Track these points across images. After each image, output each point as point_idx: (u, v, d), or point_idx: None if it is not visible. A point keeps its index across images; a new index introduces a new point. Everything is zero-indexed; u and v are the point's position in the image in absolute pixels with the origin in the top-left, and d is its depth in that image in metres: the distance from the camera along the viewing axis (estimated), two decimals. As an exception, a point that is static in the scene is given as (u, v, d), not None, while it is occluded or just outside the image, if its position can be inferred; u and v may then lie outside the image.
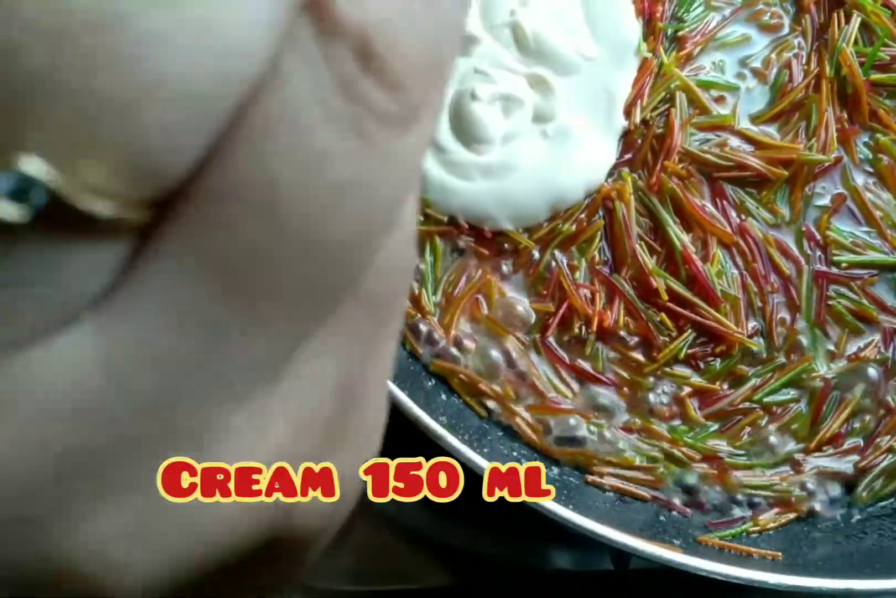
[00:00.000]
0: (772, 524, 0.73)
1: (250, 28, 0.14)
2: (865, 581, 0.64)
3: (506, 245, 0.79)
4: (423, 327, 0.76)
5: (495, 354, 0.76)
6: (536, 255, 0.78)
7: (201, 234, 0.15)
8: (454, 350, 0.75)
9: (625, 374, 0.76)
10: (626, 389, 0.76)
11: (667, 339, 0.77)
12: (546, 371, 0.76)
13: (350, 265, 0.16)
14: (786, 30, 0.88)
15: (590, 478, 0.73)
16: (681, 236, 0.79)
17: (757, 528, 0.73)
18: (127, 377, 0.16)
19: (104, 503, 0.17)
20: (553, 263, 0.78)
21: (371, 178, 0.15)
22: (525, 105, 0.80)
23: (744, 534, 0.73)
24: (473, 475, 0.64)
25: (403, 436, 0.66)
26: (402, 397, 0.65)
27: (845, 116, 0.85)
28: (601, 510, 0.71)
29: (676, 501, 0.74)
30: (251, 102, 0.14)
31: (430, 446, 0.65)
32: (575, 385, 0.76)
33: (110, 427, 0.16)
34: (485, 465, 0.64)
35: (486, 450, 0.70)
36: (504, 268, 0.79)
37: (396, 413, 0.65)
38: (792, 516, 0.74)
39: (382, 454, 0.84)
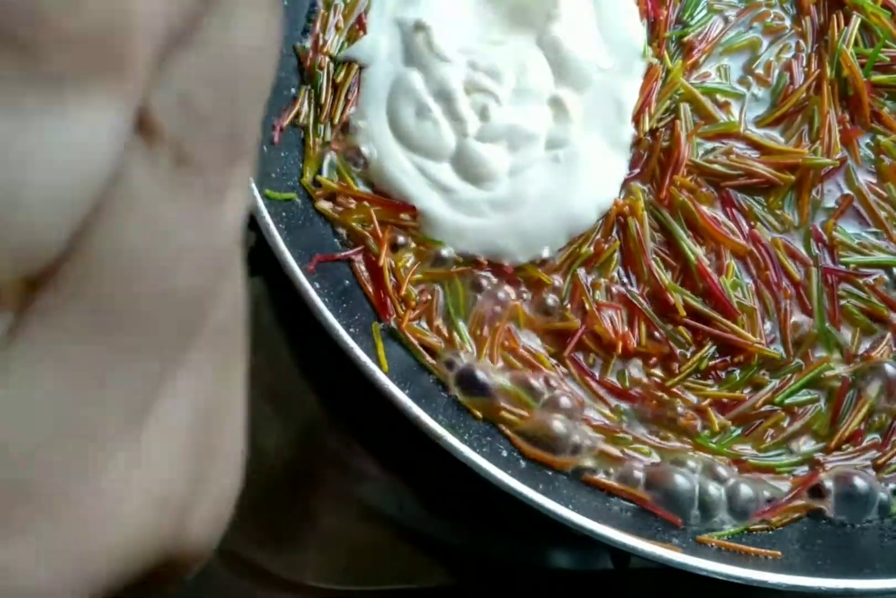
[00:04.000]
0: (777, 521, 0.74)
1: (93, 148, 0.19)
2: (865, 581, 0.64)
3: (527, 278, 0.79)
4: (459, 363, 0.76)
5: (531, 379, 0.76)
6: (558, 280, 0.79)
7: (79, 293, 0.20)
8: (488, 377, 0.75)
9: (649, 389, 0.77)
10: (653, 402, 0.77)
11: (686, 352, 0.78)
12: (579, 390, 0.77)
13: (199, 306, 0.21)
14: (787, 31, 0.88)
15: (586, 476, 0.73)
16: (695, 250, 0.79)
17: (765, 525, 0.73)
18: (19, 420, 0.19)
19: (8, 533, 0.20)
20: (574, 287, 0.79)
21: (204, 241, 0.21)
22: (537, 137, 0.80)
23: (744, 533, 0.73)
24: (473, 475, 0.64)
25: (403, 436, 0.67)
26: (402, 397, 0.65)
27: (847, 117, 0.85)
28: (601, 510, 0.71)
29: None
30: (105, 194, 0.19)
31: (430, 445, 0.65)
32: (612, 401, 0.77)
33: (5, 470, 0.19)
34: (485, 465, 0.64)
35: (485, 450, 0.71)
36: (527, 296, 0.79)
37: (396, 413, 0.65)
38: (795, 515, 0.74)
39: (383, 451, 0.84)
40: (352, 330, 0.68)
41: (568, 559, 0.81)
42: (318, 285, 0.69)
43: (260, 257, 0.87)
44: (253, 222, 0.68)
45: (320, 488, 0.81)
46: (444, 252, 0.78)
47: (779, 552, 0.70)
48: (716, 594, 0.75)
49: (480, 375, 0.75)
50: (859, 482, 0.75)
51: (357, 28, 0.85)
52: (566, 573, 0.81)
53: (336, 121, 0.82)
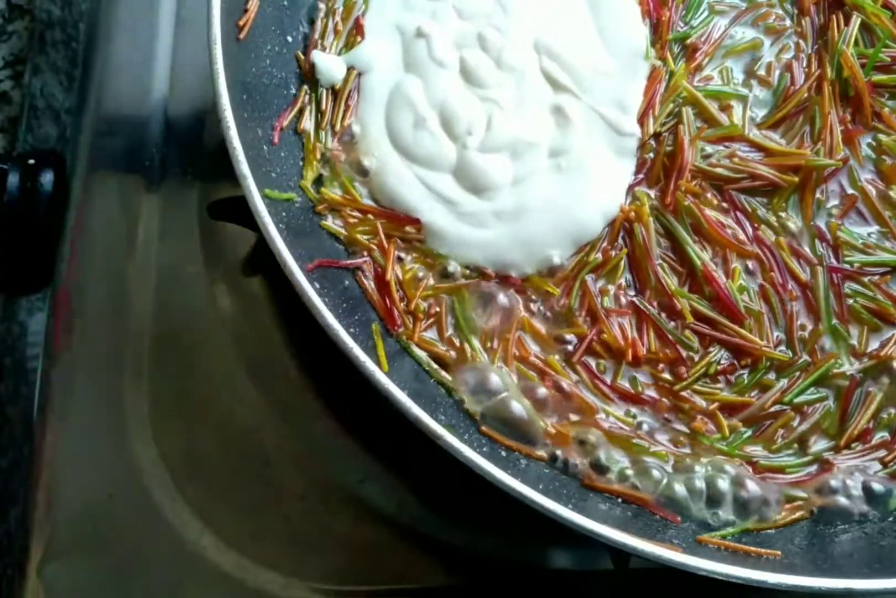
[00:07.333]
0: (779, 521, 0.74)
1: None
2: (865, 581, 0.64)
3: (534, 288, 0.79)
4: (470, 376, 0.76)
5: (542, 390, 0.76)
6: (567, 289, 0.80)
7: None
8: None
9: (660, 393, 0.77)
10: (664, 403, 0.77)
11: (694, 354, 0.78)
12: (590, 393, 0.77)
13: None
14: (787, 32, 0.88)
15: (587, 481, 0.73)
16: (701, 255, 0.79)
17: (768, 525, 0.73)
18: None
19: None
20: (583, 294, 0.79)
21: None
22: (538, 146, 0.81)
23: (744, 533, 0.73)
24: (473, 475, 0.64)
25: (403, 436, 0.67)
26: (402, 397, 0.65)
27: (848, 117, 0.85)
28: (601, 510, 0.71)
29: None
30: None
31: (430, 445, 0.65)
32: (622, 405, 0.77)
33: None
34: (485, 465, 0.64)
35: (485, 450, 0.71)
36: (535, 306, 0.79)
37: (396, 412, 0.65)
38: (797, 515, 0.74)
39: (383, 451, 0.83)
40: (352, 330, 0.68)
41: (568, 559, 0.81)
42: (317, 285, 0.69)
43: (260, 257, 0.87)
44: (253, 222, 0.68)
45: (320, 488, 0.81)
46: (451, 265, 0.79)
47: (779, 552, 0.70)
48: (716, 595, 0.75)
49: (494, 380, 0.75)
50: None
51: (355, 33, 0.85)
52: (566, 573, 0.81)
53: (337, 127, 0.82)
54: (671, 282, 0.79)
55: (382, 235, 0.78)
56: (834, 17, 0.87)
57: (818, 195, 0.83)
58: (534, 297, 0.79)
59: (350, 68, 0.83)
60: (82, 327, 0.84)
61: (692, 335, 0.78)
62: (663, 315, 0.78)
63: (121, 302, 0.85)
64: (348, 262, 0.77)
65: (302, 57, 0.83)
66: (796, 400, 0.77)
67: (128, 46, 0.93)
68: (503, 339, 0.77)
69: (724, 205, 0.82)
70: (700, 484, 0.74)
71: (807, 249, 0.81)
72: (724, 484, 0.74)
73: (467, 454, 0.64)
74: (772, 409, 0.77)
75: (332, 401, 0.84)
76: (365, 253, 0.78)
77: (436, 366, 0.75)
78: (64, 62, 0.96)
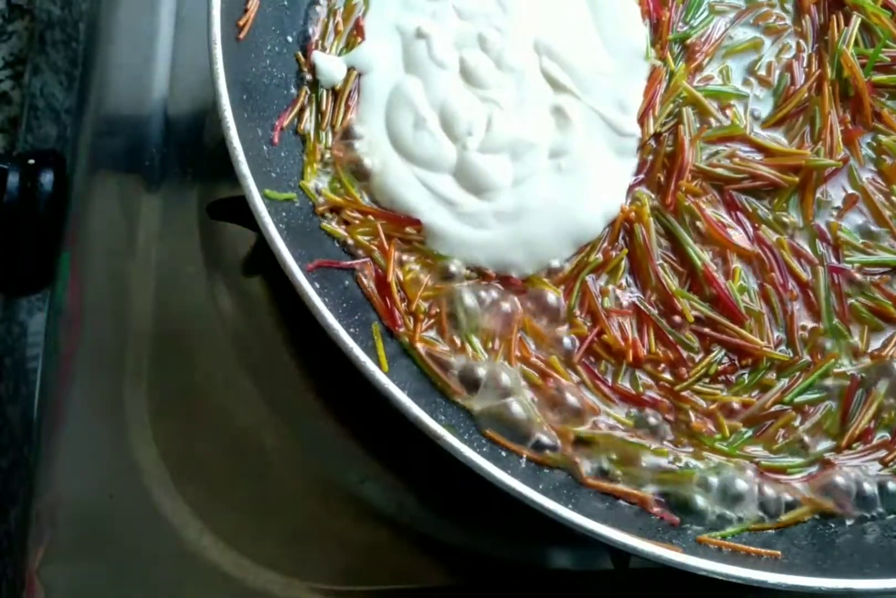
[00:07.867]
0: (782, 522, 0.74)
1: None
2: (865, 581, 0.64)
3: (535, 288, 0.79)
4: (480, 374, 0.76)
5: (543, 390, 0.76)
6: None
7: None
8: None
9: (660, 394, 0.77)
10: (665, 403, 0.77)
11: (694, 354, 0.78)
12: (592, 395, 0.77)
13: None
14: (787, 32, 0.88)
15: (589, 480, 0.73)
16: (701, 255, 0.79)
17: (768, 525, 0.73)
18: None
19: None
20: (584, 294, 0.79)
21: None
22: (538, 147, 0.81)
23: (744, 533, 0.73)
24: (473, 475, 0.64)
25: (403, 436, 0.67)
26: (402, 397, 0.65)
27: (848, 117, 0.85)
28: (601, 510, 0.71)
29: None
30: None
31: (430, 445, 0.65)
32: (622, 406, 0.77)
33: None
34: (485, 465, 0.64)
35: (485, 449, 0.71)
36: (536, 305, 0.79)
37: (396, 413, 0.65)
38: (798, 515, 0.74)
39: (383, 451, 0.83)
40: (352, 330, 0.68)
41: (568, 559, 0.81)
42: (317, 285, 0.69)
43: (260, 257, 0.87)
44: (253, 222, 0.68)
45: (320, 488, 0.81)
46: (453, 266, 0.79)
47: (779, 552, 0.70)
48: (716, 595, 0.75)
49: (504, 379, 0.75)
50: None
51: (355, 34, 0.85)
52: (566, 573, 0.81)
53: (337, 128, 0.82)
54: (672, 282, 0.79)
55: (383, 236, 0.78)
56: (834, 17, 0.87)
57: (823, 197, 0.83)
58: (534, 298, 0.79)
59: (350, 69, 0.83)
60: (82, 326, 0.84)
61: (693, 336, 0.78)
62: (664, 316, 0.78)
63: (121, 302, 0.85)
64: (348, 263, 0.77)
65: (302, 57, 0.83)
66: (797, 399, 0.77)
67: (128, 46, 0.93)
68: (504, 339, 0.77)
69: (725, 204, 0.82)
70: (700, 483, 0.74)
71: (807, 248, 0.81)
72: (722, 483, 0.74)
73: (467, 454, 0.64)
74: (772, 409, 0.77)
75: (332, 401, 0.84)
76: (365, 254, 0.78)
77: (436, 366, 0.75)
78: (64, 62, 0.96)
